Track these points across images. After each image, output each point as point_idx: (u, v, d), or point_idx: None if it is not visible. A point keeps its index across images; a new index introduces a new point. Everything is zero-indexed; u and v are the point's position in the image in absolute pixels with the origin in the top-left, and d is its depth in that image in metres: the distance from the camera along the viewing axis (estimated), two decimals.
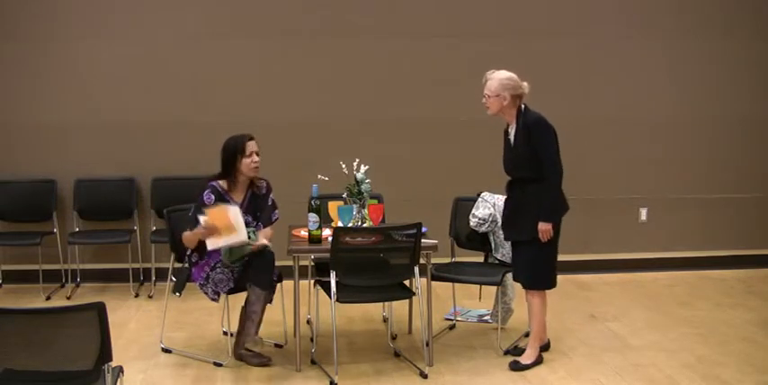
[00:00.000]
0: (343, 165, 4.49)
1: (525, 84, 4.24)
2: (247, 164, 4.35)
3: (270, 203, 4.56)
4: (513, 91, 4.19)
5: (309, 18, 6.14)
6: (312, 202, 4.35)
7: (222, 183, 4.40)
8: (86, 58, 6.04)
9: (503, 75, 4.22)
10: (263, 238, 4.38)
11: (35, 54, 5.99)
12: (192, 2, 6.08)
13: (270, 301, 4.44)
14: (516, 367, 4.32)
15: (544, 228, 4.19)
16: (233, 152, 4.36)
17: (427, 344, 4.43)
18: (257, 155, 4.38)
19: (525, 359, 4.37)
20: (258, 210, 4.50)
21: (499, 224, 4.68)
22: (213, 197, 4.34)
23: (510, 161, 4.33)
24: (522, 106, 4.26)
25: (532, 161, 4.19)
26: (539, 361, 4.39)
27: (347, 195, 4.47)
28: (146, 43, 6.06)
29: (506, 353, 4.58)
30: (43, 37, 5.96)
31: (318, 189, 4.46)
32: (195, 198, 4.36)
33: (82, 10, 5.98)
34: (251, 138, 4.39)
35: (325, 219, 4.47)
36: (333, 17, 6.16)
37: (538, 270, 4.33)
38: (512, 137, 4.29)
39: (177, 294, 4.49)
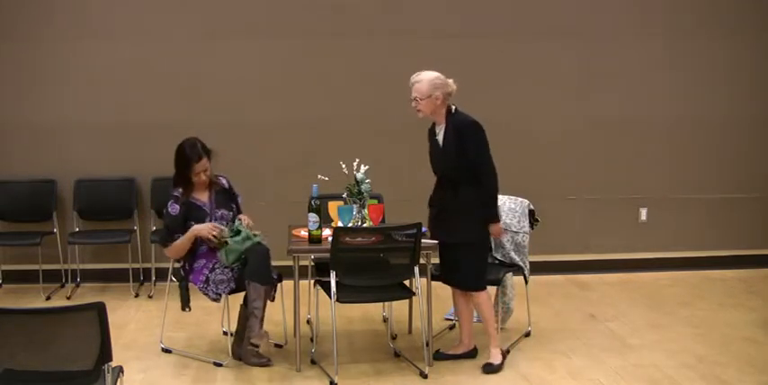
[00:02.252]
0: (343, 165, 4.49)
1: (451, 81, 4.23)
2: (196, 181, 4.48)
3: (237, 194, 4.70)
4: (443, 89, 4.18)
5: (309, 18, 6.14)
6: (312, 202, 4.34)
7: (182, 190, 4.49)
8: (86, 58, 6.03)
9: (431, 75, 4.20)
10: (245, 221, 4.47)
11: (34, 54, 5.98)
12: (192, 3, 6.08)
13: (272, 299, 4.45)
14: (491, 369, 4.29)
15: (496, 229, 4.27)
16: (183, 166, 4.45)
17: (427, 344, 4.43)
18: (205, 173, 4.46)
19: (494, 359, 4.33)
20: (230, 201, 4.61)
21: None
22: (178, 207, 4.44)
23: (439, 162, 4.32)
24: (453, 107, 4.25)
25: (462, 163, 4.18)
26: (505, 356, 4.39)
27: (347, 195, 4.46)
28: (146, 43, 6.06)
29: (506, 352, 4.58)
30: (43, 37, 5.96)
31: (318, 189, 4.46)
32: (165, 209, 4.49)
33: (82, 10, 5.98)
34: (200, 159, 4.42)
35: (325, 219, 4.47)
36: (332, 17, 6.16)
37: (475, 271, 4.33)
38: (440, 137, 4.27)
39: (187, 310, 4.53)
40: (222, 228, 4.38)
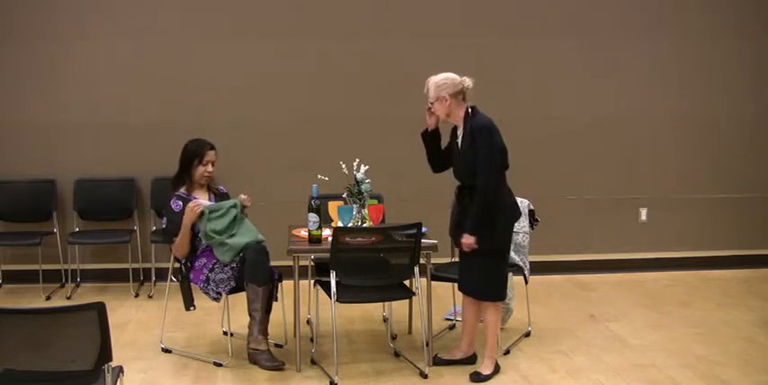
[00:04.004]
0: (343, 165, 4.49)
1: (466, 78, 4.10)
2: (201, 171, 4.52)
3: None
4: (451, 90, 4.06)
5: (309, 18, 6.14)
6: (312, 202, 4.35)
7: (183, 190, 4.53)
8: (86, 58, 6.04)
9: (437, 78, 4.11)
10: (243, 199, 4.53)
11: (34, 54, 5.98)
12: (192, 3, 6.09)
13: (275, 299, 4.45)
14: (478, 379, 4.21)
15: (467, 240, 4.04)
16: (191, 156, 4.52)
17: (427, 344, 4.43)
18: (213, 165, 4.53)
19: (485, 369, 4.25)
20: None
21: None
22: (180, 203, 4.47)
23: (459, 167, 4.20)
24: (470, 109, 4.12)
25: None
26: (497, 370, 4.29)
27: (347, 195, 4.47)
28: (146, 43, 6.06)
29: (506, 353, 4.59)
30: (43, 37, 5.96)
31: (318, 189, 4.46)
32: (166, 208, 4.51)
33: (82, 10, 5.98)
34: (212, 148, 4.54)
35: (325, 219, 4.47)
36: (333, 18, 6.16)
37: (491, 281, 4.20)
38: (459, 140, 4.17)
39: (192, 309, 4.53)
40: (202, 202, 4.42)
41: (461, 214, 4.23)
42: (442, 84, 4.09)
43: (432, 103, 4.14)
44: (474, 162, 4.06)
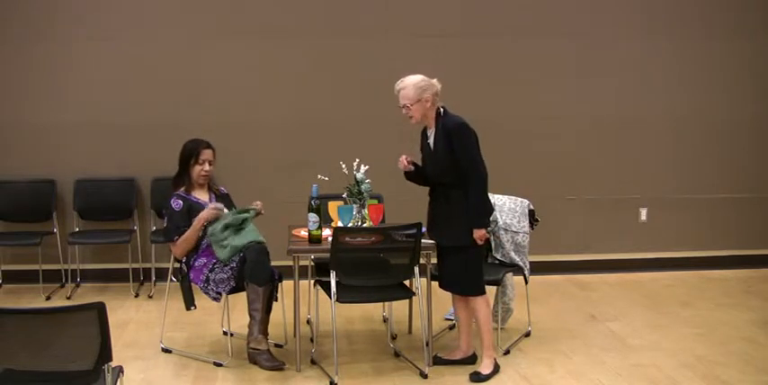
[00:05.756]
0: (343, 165, 4.49)
1: (435, 81, 4.14)
2: (197, 171, 4.52)
3: (234, 206, 4.67)
4: (430, 90, 4.10)
5: (309, 18, 6.15)
6: (312, 202, 4.35)
7: (183, 189, 4.54)
8: (86, 58, 6.04)
9: (415, 79, 4.12)
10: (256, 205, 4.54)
11: (35, 54, 5.98)
12: (192, 3, 6.09)
13: (275, 299, 4.46)
14: (477, 379, 4.22)
15: (479, 234, 4.11)
16: (188, 156, 4.53)
17: (427, 344, 4.43)
18: (210, 164, 4.53)
19: (485, 369, 4.26)
20: (229, 207, 4.59)
21: (499, 224, 4.69)
22: (181, 202, 4.48)
23: (431, 166, 4.24)
24: (441, 109, 4.16)
25: (454, 166, 4.09)
26: (497, 369, 4.29)
27: (347, 195, 4.47)
28: (145, 44, 6.06)
29: (506, 353, 4.59)
30: (43, 37, 5.96)
31: (318, 189, 4.46)
32: (166, 207, 4.52)
33: (82, 10, 5.98)
34: (208, 147, 4.54)
35: (325, 219, 4.47)
36: (333, 17, 6.16)
37: (469, 276, 4.23)
38: (431, 141, 4.20)
39: (193, 308, 4.52)
40: (221, 206, 4.44)
41: (436, 212, 4.27)
42: (422, 85, 4.10)
43: (408, 106, 4.13)
44: (448, 161, 4.11)
